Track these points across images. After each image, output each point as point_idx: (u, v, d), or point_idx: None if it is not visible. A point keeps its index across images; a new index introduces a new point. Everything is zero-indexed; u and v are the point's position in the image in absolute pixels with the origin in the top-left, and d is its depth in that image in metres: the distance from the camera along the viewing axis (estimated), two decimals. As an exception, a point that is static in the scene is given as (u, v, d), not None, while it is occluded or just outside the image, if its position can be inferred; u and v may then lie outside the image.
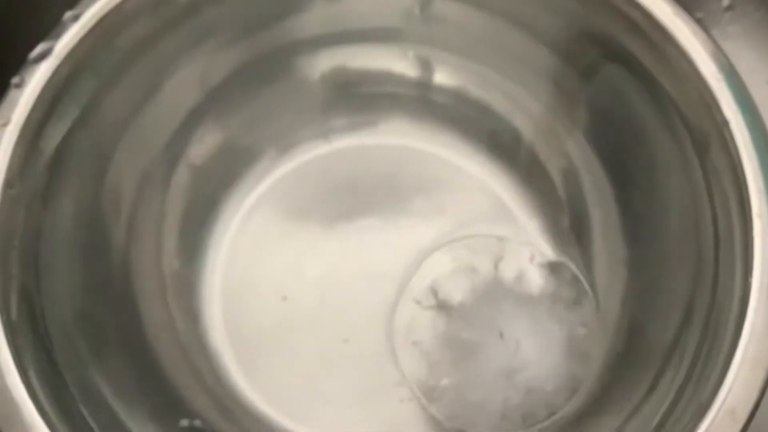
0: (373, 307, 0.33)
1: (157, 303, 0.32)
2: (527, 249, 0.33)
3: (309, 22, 0.32)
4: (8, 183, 0.26)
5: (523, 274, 0.33)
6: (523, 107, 0.34)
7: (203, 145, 0.34)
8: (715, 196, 0.27)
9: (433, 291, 0.33)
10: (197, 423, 0.30)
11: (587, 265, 0.33)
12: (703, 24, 0.29)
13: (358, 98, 0.35)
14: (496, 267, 0.33)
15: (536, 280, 0.33)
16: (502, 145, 0.35)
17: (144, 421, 0.28)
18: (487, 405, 0.31)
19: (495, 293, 0.33)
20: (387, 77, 0.35)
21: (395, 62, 0.34)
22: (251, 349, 0.33)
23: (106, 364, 0.28)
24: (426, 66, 0.35)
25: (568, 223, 0.33)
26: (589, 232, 0.33)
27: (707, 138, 0.27)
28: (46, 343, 0.26)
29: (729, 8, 0.37)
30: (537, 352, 0.32)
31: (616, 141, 0.31)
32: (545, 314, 0.32)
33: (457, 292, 0.33)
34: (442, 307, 0.33)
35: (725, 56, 0.27)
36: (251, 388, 0.32)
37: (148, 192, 0.32)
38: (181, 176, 0.33)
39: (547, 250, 0.34)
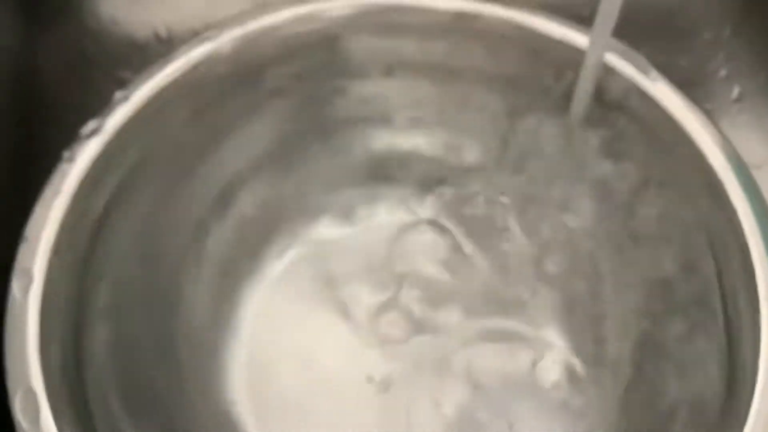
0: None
1: (194, 375, 0.33)
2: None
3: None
4: (56, 251, 0.27)
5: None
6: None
7: (243, 209, 0.35)
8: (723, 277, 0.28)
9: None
10: None
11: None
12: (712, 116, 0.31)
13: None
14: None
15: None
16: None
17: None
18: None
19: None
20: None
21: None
22: (276, 418, 0.33)
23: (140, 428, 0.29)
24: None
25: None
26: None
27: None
28: (84, 405, 0.27)
29: (738, 100, 0.39)
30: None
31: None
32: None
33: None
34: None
35: (733, 147, 0.29)
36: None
37: (189, 262, 0.33)
38: (219, 242, 0.34)
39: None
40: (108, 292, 0.30)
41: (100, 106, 0.30)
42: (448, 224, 0.36)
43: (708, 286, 0.29)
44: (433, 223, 0.36)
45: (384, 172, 0.36)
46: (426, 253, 0.36)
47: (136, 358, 0.30)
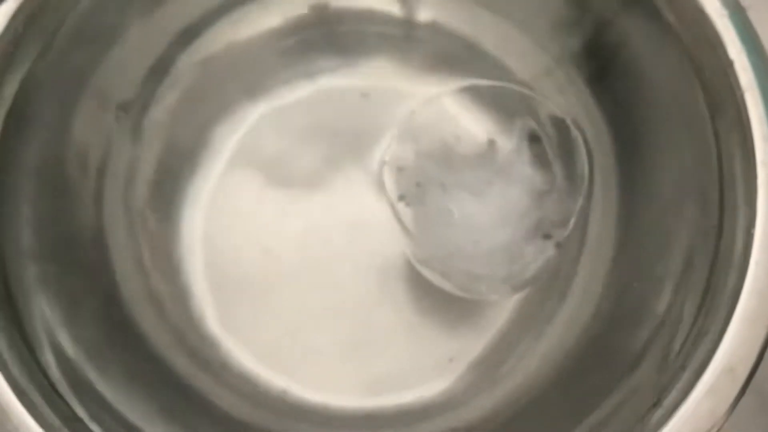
0: (357, 258, 0.32)
1: (132, 262, 0.31)
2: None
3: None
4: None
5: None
6: (516, 47, 0.32)
7: (176, 90, 0.32)
8: (720, 138, 0.25)
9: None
10: None
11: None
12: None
13: (338, 38, 0.33)
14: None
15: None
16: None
17: (117, 382, 0.27)
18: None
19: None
20: (370, 15, 0.33)
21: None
22: (234, 304, 0.32)
23: (76, 327, 0.27)
24: (411, 4, 0.33)
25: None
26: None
27: (712, 77, 0.25)
28: (12, 302, 0.25)
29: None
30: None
31: (617, 82, 0.30)
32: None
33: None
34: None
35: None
36: (234, 344, 0.32)
37: (117, 144, 0.31)
38: (153, 126, 0.32)
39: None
40: (29, 178, 0.27)
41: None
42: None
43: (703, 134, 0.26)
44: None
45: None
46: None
47: (66, 254, 0.28)
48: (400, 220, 0.31)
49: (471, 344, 0.32)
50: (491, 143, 0.32)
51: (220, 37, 0.32)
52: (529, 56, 0.32)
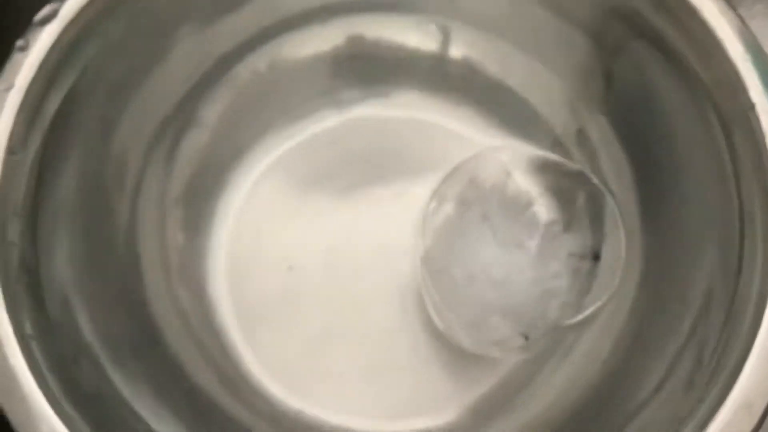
0: (381, 280, 0.33)
1: (161, 275, 0.31)
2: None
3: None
4: (10, 149, 0.26)
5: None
6: (542, 84, 0.33)
7: (212, 113, 0.33)
8: (741, 179, 0.26)
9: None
10: None
11: (599, 245, 0.32)
12: (729, 2, 0.28)
13: (372, 69, 0.34)
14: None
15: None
16: (516, 121, 0.34)
17: (143, 390, 0.27)
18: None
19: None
20: (402, 48, 0.34)
21: (412, 33, 0.33)
22: (257, 321, 0.32)
23: (106, 332, 0.27)
24: (443, 38, 0.34)
25: (582, 202, 0.32)
26: (603, 213, 0.32)
27: (733, 120, 0.26)
28: (46, 310, 0.26)
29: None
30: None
31: (638, 121, 0.30)
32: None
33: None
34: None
35: (753, 35, 0.26)
36: (256, 361, 0.32)
37: (154, 162, 0.31)
38: (188, 146, 0.33)
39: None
40: (69, 196, 0.28)
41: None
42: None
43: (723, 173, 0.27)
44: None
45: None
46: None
47: (100, 264, 0.29)
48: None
49: (488, 373, 0.32)
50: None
51: (260, 63, 0.33)
52: (555, 95, 0.33)
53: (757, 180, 0.25)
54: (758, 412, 0.23)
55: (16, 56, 0.26)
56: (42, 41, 0.26)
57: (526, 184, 0.31)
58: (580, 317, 0.30)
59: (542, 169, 0.31)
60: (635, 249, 0.31)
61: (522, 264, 0.30)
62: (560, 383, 0.31)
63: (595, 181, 0.31)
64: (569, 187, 0.31)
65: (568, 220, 0.31)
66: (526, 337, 0.29)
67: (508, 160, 0.31)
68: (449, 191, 0.31)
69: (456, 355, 0.32)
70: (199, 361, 0.31)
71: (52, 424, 0.23)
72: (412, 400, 0.32)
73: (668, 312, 0.28)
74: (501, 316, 0.30)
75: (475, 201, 0.31)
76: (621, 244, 0.30)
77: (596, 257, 0.30)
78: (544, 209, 0.30)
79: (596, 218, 0.31)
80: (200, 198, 0.33)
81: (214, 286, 0.33)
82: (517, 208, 0.30)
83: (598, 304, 0.30)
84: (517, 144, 0.34)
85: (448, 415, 0.32)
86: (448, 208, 0.31)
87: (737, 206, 0.26)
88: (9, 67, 0.26)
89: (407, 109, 0.35)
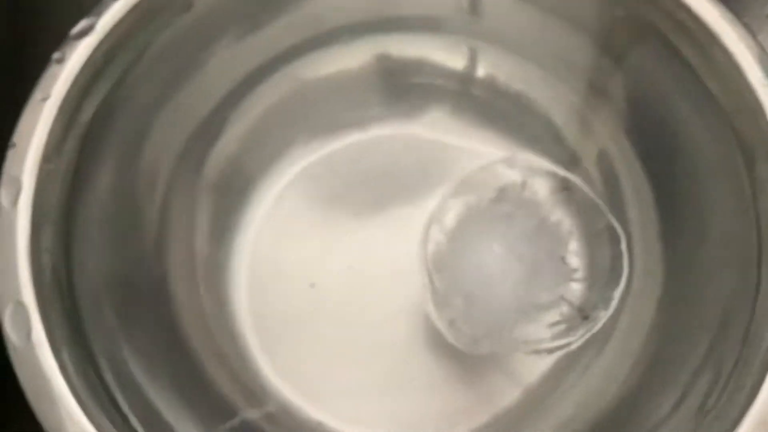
0: (401, 298, 0.33)
1: (186, 284, 0.32)
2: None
3: (352, 7, 0.32)
4: (46, 157, 0.26)
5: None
6: (565, 105, 0.34)
7: (240, 127, 0.33)
8: (760, 203, 0.26)
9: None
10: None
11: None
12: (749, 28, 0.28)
13: (397, 87, 0.35)
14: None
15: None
16: (539, 143, 0.34)
17: (169, 396, 0.28)
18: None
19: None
20: (429, 67, 0.34)
21: (439, 53, 0.34)
22: (277, 334, 0.33)
23: (134, 340, 0.28)
24: (470, 58, 0.34)
25: (604, 224, 0.33)
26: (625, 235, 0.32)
27: (754, 146, 0.26)
28: (77, 317, 0.26)
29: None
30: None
31: (659, 144, 0.31)
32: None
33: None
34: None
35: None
36: (275, 373, 0.32)
37: (184, 172, 0.32)
38: (217, 158, 0.33)
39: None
40: (101, 204, 0.28)
41: (93, 3, 0.28)
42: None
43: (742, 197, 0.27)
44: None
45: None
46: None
47: (130, 271, 0.29)
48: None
49: (505, 391, 0.32)
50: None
51: (289, 78, 0.34)
52: (577, 114, 0.34)
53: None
54: (776, 431, 0.23)
55: (52, 68, 0.27)
56: (78, 54, 0.27)
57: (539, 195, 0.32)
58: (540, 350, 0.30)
59: (559, 187, 0.32)
60: (655, 272, 0.31)
61: (515, 274, 0.30)
62: (577, 401, 0.31)
63: (611, 218, 0.31)
64: (586, 219, 0.32)
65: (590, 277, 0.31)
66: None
67: (522, 171, 0.32)
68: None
69: (472, 372, 0.33)
70: (221, 370, 0.31)
71: (82, 425, 0.24)
72: (427, 415, 0.32)
73: (686, 334, 0.29)
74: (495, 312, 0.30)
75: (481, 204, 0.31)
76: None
77: (585, 317, 0.31)
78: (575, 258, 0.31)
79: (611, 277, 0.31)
80: (224, 209, 0.34)
81: (236, 298, 0.33)
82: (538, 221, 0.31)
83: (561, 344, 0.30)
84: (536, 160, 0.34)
85: (464, 430, 0.32)
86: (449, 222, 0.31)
87: (755, 231, 0.26)
88: (46, 78, 0.27)
89: (431, 128, 0.35)
